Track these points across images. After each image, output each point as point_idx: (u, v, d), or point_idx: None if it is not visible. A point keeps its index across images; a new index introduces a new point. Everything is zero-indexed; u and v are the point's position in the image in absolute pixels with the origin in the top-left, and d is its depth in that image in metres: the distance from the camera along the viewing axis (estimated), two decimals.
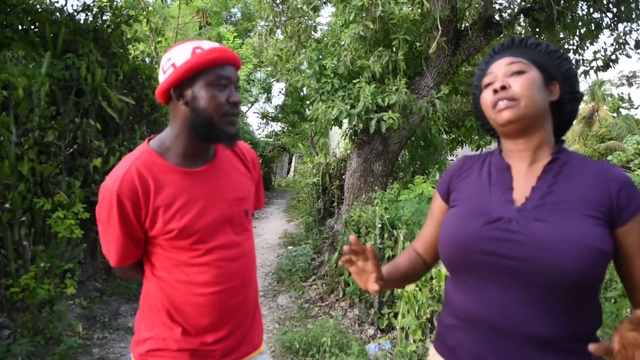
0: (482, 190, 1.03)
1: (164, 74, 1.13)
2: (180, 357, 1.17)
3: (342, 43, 4.46)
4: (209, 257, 1.17)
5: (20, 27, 3.60)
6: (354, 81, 4.47)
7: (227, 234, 1.21)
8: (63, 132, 3.45)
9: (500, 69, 1.00)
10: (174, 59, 1.11)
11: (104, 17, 4.17)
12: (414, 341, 2.91)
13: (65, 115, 3.58)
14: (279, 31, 6.05)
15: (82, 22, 3.94)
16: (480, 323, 0.94)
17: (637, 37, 5.11)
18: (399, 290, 3.19)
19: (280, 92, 21.58)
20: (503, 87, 0.96)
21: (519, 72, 0.97)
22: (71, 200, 3.37)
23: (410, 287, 3.06)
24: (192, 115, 1.13)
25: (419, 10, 5.15)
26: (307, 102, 14.36)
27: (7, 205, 2.93)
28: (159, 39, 5.33)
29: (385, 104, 4.31)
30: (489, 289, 0.93)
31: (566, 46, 5.83)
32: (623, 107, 26.20)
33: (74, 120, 3.59)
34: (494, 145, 7.71)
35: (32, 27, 3.64)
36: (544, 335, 0.88)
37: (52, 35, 3.59)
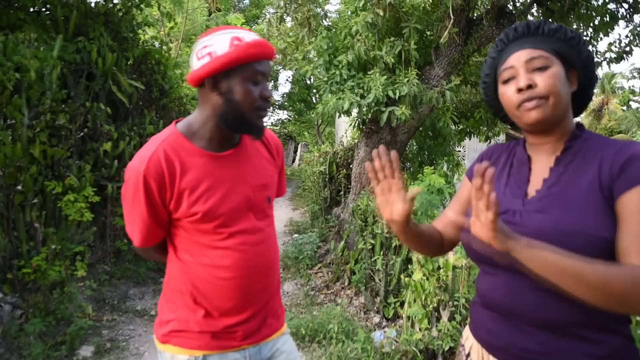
0: (500, 182, 1.05)
1: (199, 61, 1.11)
2: (202, 338, 1.19)
3: (353, 31, 4.41)
4: (232, 240, 1.18)
5: (32, 9, 3.60)
6: (369, 73, 4.43)
7: (250, 219, 1.22)
8: (74, 115, 3.47)
9: (520, 63, 0.94)
10: (211, 48, 1.09)
11: (115, 1, 4.16)
12: (420, 330, 2.93)
13: (76, 98, 3.59)
14: (288, 19, 6.00)
15: (93, 5, 3.93)
16: (493, 303, 1.00)
17: None
18: (406, 279, 3.21)
19: (287, 80, 21.44)
20: (529, 86, 0.92)
21: (542, 68, 0.92)
22: (81, 184, 3.40)
23: (417, 277, 3.07)
24: (224, 106, 1.13)
25: None
26: (315, 91, 14.28)
27: (19, 187, 2.95)
28: (170, 24, 5.30)
29: (396, 96, 4.28)
30: (498, 275, 0.98)
31: None
32: (634, 100, 25.88)
33: (84, 104, 3.60)
34: (502, 138, 7.65)
35: (44, 9, 3.64)
36: (550, 319, 0.90)
37: (63, 18, 3.58)
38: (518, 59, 0.94)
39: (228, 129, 1.17)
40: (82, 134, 3.58)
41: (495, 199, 0.77)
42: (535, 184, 0.98)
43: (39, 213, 3.15)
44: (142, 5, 4.29)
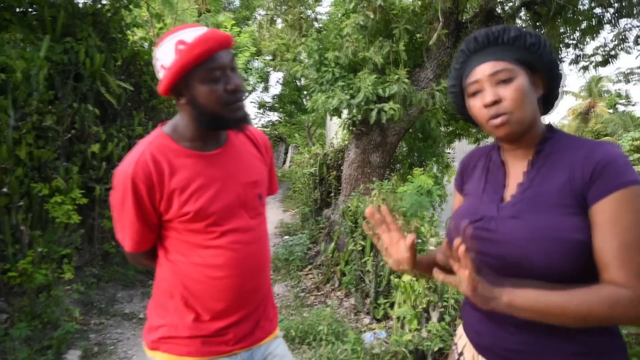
0: (478, 187, 1.06)
1: (158, 74, 1.11)
2: (193, 344, 1.17)
3: (344, 33, 4.43)
4: (224, 239, 1.17)
5: (18, 10, 3.56)
6: (359, 74, 4.45)
7: (242, 217, 1.21)
8: (61, 116, 3.43)
9: (484, 76, 0.94)
10: (162, 60, 1.08)
11: (103, 1, 4.12)
12: (410, 330, 2.94)
13: (63, 99, 3.55)
14: (278, 20, 6.00)
15: (81, 5, 3.90)
16: (473, 305, 1.00)
17: (638, 33, 5.12)
18: (395, 280, 3.22)
19: (277, 81, 21.42)
20: (495, 102, 0.92)
21: (507, 80, 0.92)
22: (69, 186, 3.36)
23: (407, 278, 3.08)
24: (194, 111, 1.12)
25: (419, 1, 5.12)
26: (305, 92, 14.30)
27: (4, 190, 2.92)
28: (159, 25, 5.27)
29: (386, 95, 4.30)
30: None
31: (567, 41, 5.84)
32: (620, 104, 26.27)
33: (72, 105, 3.56)
34: (491, 139, 7.75)
35: (31, 9, 3.60)
36: (531, 320, 0.91)
37: (50, 18, 3.54)
38: (482, 72, 0.94)
39: (208, 129, 1.16)
40: (69, 135, 3.55)
41: (471, 279, 0.82)
42: (511, 189, 0.99)
43: (25, 215, 3.11)
44: (130, 6, 4.26)
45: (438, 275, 0.85)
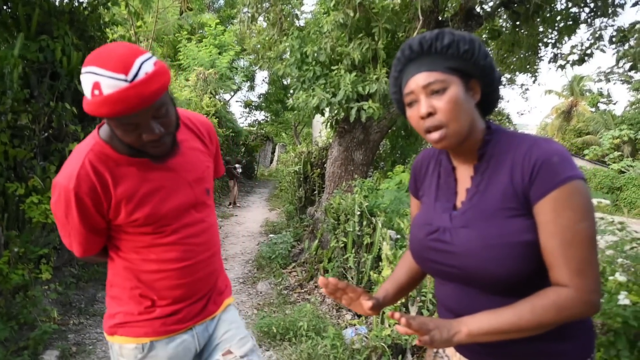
0: (431, 195, 1.07)
1: None
2: (149, 325, 1.22)
3: (324, 30, 4.46)
4: (175, 236, 1.20)
5: None
6: (333, 68, 4.48)
7: (191, 213, 1.23)
8: (37, 115, 3.38)
9: (418, 88, 0.93)
10: (82, 86, 0.98)
11: None
12: (389, 325, 2.97)
13: (39, 98, 3.50)
14: (261, 18, 6.00)
15: (57, 3, 3.84)
16: (446, 307, 1.05)
17: (612, 33, 5.23)
18: (375, 276, 3.25)
19: (263, 80, 21.39)
20: (430, 114, 0.92)
21: (440, 91, 0.91)
22: (46, 185, 3.32)
23: (386, 273, 3.12)
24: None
25: (400, 0, 5.16)
26: (291, 90, 14.31)
27: None
28: (139, 23, 5.23)
29: (366, 93, 4.34)
30: (445, 284, 1.03)
31: (545, 40, 5.94)
32: (602, 102, 26.73)
33: (48, 104, 3.52)
34: None
35: (5, 7, 3.54)
36: None
37: (25, 16, 3.49)
38: (416, 83, 0.93)
39: None
40: (46, 134, 3.50)
41: (424, 341, 0.85)
42: (461, 195, 1.00)
43: (0, 216, 3.07)
44: (109, 4, 4.21)
45: (400, 329, 0.88)
